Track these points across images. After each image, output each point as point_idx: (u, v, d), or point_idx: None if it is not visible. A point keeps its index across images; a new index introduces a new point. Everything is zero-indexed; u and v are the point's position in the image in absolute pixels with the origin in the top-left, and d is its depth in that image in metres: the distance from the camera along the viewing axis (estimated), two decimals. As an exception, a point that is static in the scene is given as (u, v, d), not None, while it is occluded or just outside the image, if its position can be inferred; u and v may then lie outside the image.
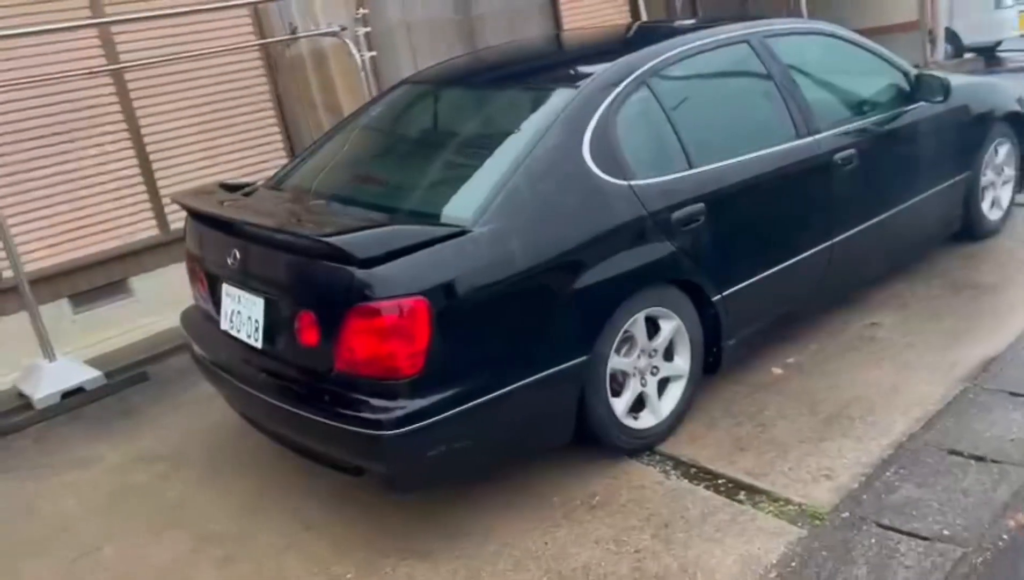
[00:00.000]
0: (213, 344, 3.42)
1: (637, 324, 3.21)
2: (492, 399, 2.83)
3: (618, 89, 3.27)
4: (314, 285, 2.87)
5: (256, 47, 5.88)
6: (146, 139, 5.48)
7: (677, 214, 3.25)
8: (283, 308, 2.97)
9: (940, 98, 4.25)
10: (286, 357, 3.01)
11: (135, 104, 5.42)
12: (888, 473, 3.05)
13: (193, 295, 3.71)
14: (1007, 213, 5.23)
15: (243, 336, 3.17)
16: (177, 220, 5.59)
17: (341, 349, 2.77)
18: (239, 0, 5.63)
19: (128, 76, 5.37)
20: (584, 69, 3.42)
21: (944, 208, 4.65)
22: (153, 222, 5.57)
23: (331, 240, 2.68)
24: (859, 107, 4.16)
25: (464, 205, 2.97)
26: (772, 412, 3.56)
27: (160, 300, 5.45)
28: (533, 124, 3.18)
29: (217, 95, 5.77)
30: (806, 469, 3.15)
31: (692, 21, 4.86)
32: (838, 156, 3.85)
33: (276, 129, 6.06)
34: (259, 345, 3.09)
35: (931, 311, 4.30)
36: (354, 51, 5.78)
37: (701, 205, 3.31)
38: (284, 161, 5.99)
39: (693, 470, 3.25)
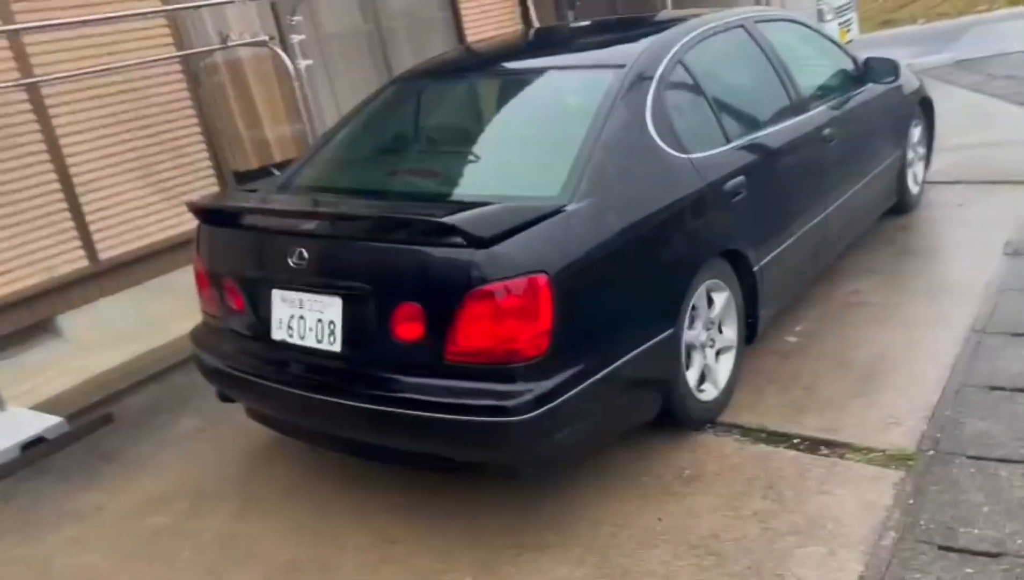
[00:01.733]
0: (257, 359, 3.13)
1: (701, 296, 3.26)
2: (606, 375, 2.77)
3: (662, 67, 3.32)
4: (420, 273, 2.70)
5: (178, 59, 5.47)
6: (69, 160, 4.95)
7: (727, 186, 3.33)
8: (371, 304, 2.77)
9: (892, 78, 4.62)
10: (377, 356, 2.81)
11: (54, 121, 4.88)
12: (947, 413, 3.25)
13: (208, 312, 3.38)
14: (921, 188, 5.74)
15: (311, 342, 2.92)
16: (109, 247, 5.10)
17: (456, 337, 2.62)
18: (153, 8, 5.22)
19: (46, 91, 4.83)
20: (614, 52, 3.45)
21: (888, 182, 5.04)
22: (81, 252, 5.03)
23: (450, 220, 2.53)
24: (828, 88, 4.44)
25: (547, 184, 2.90)
26: (809, 376, 3.70)
27: (93, 338, 4.94)
28: (590, 103, 3.15)
29: (140, 109, 5.31)
30: (871, 420, 3.30)
31: (632, 16, 5.00)
32: (824, 132, 4.09)
33: (202, 144, 5.66)
34: (337, 349, 2.86)
35: (900, 274, 4.64)
36: (287, 60, 5.50)
37: (743, 177, 3.41)
38: (212, 177, 5.62)
39: (763, 435, 3.32)
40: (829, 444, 3.20)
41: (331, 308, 2.87)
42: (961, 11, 17.99)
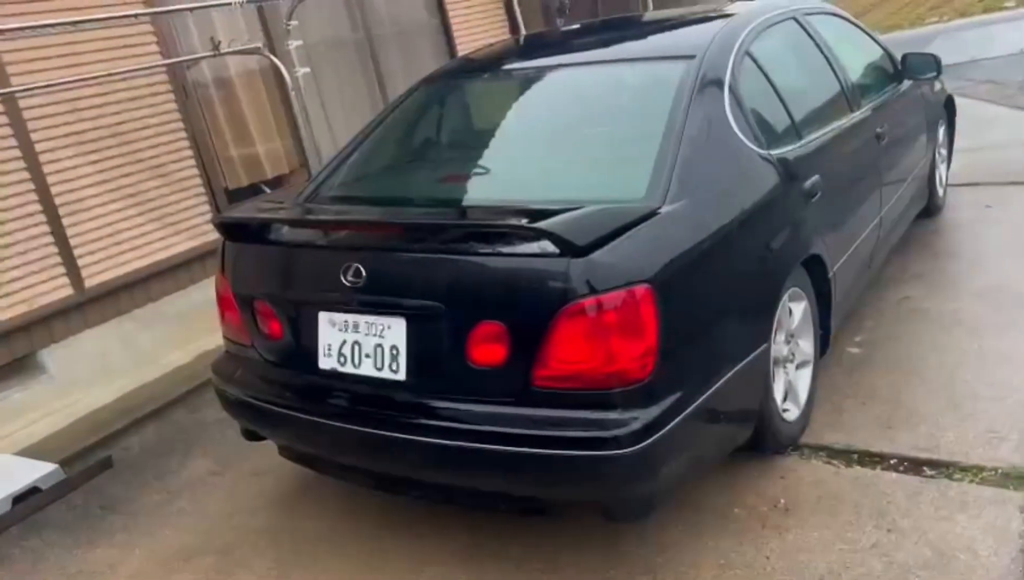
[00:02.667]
0: (299, 391, 2.76)
1: (784, 305, 2.97)
2: (708, 397, 2.46)
3: (732, 58, 3.04)
4: (503, 287, 2.36)
5: (164, 69, 5.06)
6: (50, 178, 4.51)
7: (806, 185, 3.06)
8: (443, 325, 2.42)
9: (933, 73, 4.41)
10: (449, 384, 2.47)
11: (33, 136, 4.44)
12: (1052, 424, 3.01)
13: (234, 339, 3.00)
14: (945, 190, 5.56)
15: (368, 371, 2.57)
16: (95, 273, 4.66)
17: (547, 359, 2.29)
18: (137, 11, 4.82)
19: (24, 104, 4.40)
20: (677, 42, 3.16)
21: (923, 183, 4.84)
22: (65, 279, 4.58)
23: (543, 225, 2.21)
24: (873, 83, 4.22)
25: (629, 185, 2.60)
26: (886, 388, 3.43)
27: (79, 374, 4.50)
28: (663, 96, 2.86)
29: (125, 123, 4.89)
30: (969, 434, 3.03)
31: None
32: (877, 129, 3.85)
33: (191, 160, 5.24)
34: (401, 377, 2.51)
35: (947, 278, 4.42)
36: (283, 69, 5.13)
37: (818, 177, 3.14)
38: (203, 195, 5.21)
39: (855, 456, 3.04)
40: (932, 464, 2.92)
41: (394, 331, 2.52)
42: (913, 22, 18.26)
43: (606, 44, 3.56)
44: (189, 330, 4.88)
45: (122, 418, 4.23)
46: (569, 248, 2.23)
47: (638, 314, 2.25)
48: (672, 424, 2.31)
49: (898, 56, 4.51)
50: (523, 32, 8.01)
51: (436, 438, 2.45)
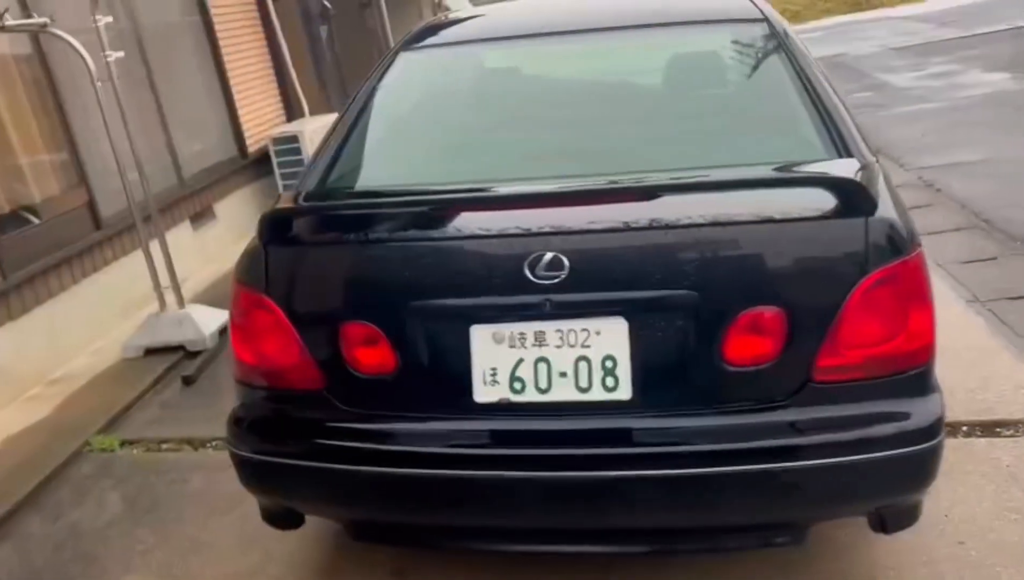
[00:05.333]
0: (429, 441, 1.99)
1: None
2: None
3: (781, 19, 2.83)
4: (784, 260, 1.86)
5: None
6: None
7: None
8: (691, 320, 1.86)
9: None
10: (691, 396, 1.91)
11: None
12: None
13: (289, 386, 2.09)
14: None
15: (563, 395, 1.91)
16: None
17: (837, 344, 1.86)
18: None
19: None
20: (728, 8, 2.85)
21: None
22: None
23: (840, 175, 1.79)
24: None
25: (800, 144, 2.24)
26: None
27: None
28: (767, 56, 2.55)
29: None
30: None
31: None
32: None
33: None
34: (624, 395, 1.88)
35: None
36: (82, 51, 3.90)
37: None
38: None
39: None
40: None
41: (607, 337, 1.88)
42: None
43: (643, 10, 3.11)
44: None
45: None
46: (869, 205, 1.83)
47: (924, 281, 1.92)
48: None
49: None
50: (280, 37, 7.13)
51: (678, 468, 1.87)
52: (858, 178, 1.86)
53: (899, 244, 1.86)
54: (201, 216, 5.96)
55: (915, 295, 1.88)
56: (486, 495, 1.96)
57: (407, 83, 2.79)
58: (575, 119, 2.51)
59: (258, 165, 6.82)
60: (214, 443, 3.34)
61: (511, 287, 1.89)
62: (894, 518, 2.02)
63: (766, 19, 2.69)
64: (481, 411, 1.95)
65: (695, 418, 1.91)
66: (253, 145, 6.83)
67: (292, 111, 7.49)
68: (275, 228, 2.04)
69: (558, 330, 1.91)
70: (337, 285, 2.03)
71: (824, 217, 1.85)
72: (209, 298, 4.83)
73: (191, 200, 5.79)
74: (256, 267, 2.07)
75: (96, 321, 4.57)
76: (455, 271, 1.95)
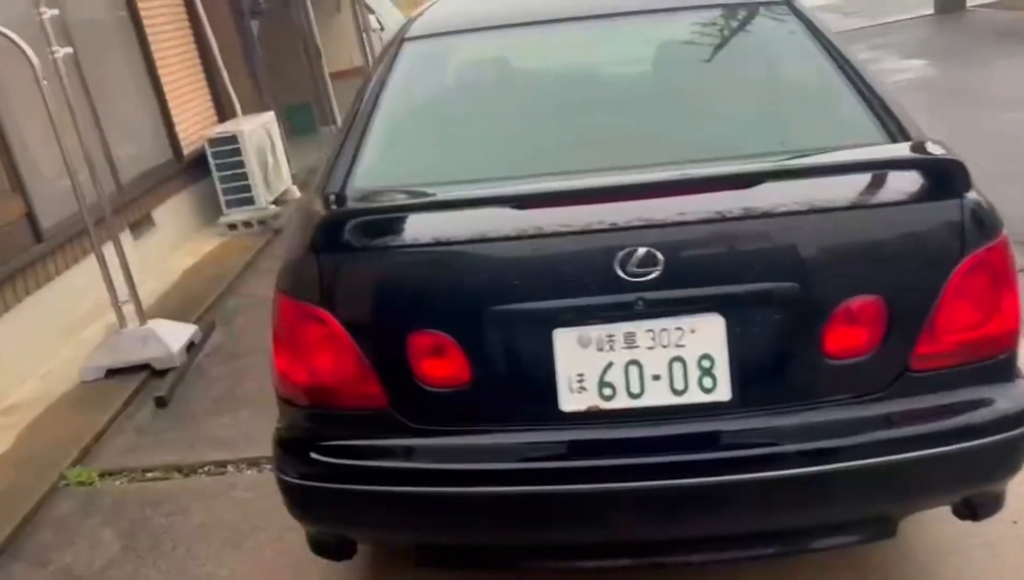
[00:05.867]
0: (508, 456, 1.85)
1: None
2: None
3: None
4: (885, 246, 1.80)
5: None
6: None
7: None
8: (791, 312, 1.78)
9: None
10: (791, 393, 1.83)
11: None
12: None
13: (349, 403, 1.91)
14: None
15: (657, 399, 1.80)
16: None
17: (935, 330, 1.81)
18: None
19: None
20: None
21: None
22: None
23: (940, 155, 1.74)
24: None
25: (854, 127, 2.18)
26: None
27: None
28: (800, 39, 2.48)
29: None
30: None
31: None
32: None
33: None
34: (724, 396, 1.79)
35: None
36: (23, 46, 3.55)
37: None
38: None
39: None
40: None
41: (702, 335, 1.78)
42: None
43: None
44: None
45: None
46: (965, 185, 1.78)
47: (1012, 262, 1.89)
48: None
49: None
50: (209, 32, 6.76)
51: (783, 468, 1.79)
52: (953, 158, 1.81)
53: (991, 224, 1.82)
54: (140, 224, 5.59)
55: (1005, 277, 1.85)
56: (575, 510, 1.83)
57: (419, 75, 2.62)
58: (611, 106, 2.40)
59: (193, 169, 6.46)
60: (207, 468, 3.10)
61: (599, 286, 1.77)
62: (984, 505, 1.99)
63: (786, 3, 2.64)
64: (568, 421, 1.82)
65: (796, 415, 1.82)
66: (188, 147, 6.45)
67: (223, 111, 7.13)
68: (329, 234, 1.85)
69: (649, 330, 1.79)
70: (403, 292, 1.86)
71: (923, 199, 1.80)
72: (163, 311, 4.52)
73: (131, 208, 5.42)
74: (306, 277, 1.88)
75: (42, 342, 4.20)
76: (536, 272, 1.81)
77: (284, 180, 6.99)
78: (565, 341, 1.81)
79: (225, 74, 6.87)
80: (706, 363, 1.79)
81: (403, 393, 1.87)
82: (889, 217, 1.80)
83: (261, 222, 6.31)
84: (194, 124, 6.72)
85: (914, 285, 1.80)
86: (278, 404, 2.03)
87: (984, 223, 1.81)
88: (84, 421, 3.47)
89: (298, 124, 9.34)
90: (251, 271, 5.42)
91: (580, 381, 1.81)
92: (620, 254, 1.75)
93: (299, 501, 1.98)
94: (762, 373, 1.81)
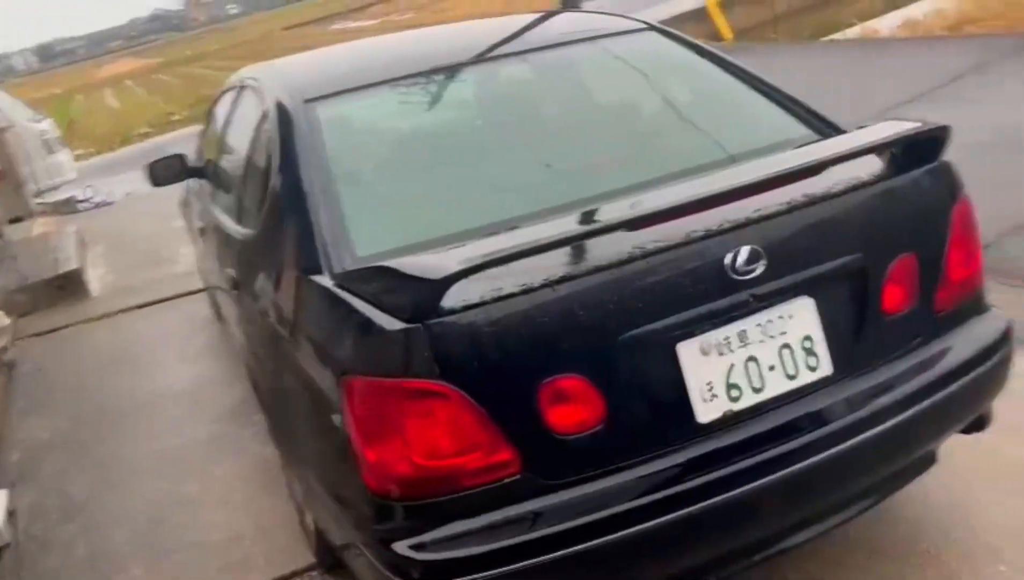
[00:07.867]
0: (659, 485, 1.79)
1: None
2: None
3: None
4: (909, 207, 2.06)
5: None
6: None
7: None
8: (856, 283, 1.97)
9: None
10: (871, 354, 2.01)
11: None
12: None
13: (472, 478, 1.72)
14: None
15: (778, 388, 1.89)
16: None
17: (948, 276, 2.10)
18: None
19: None
20: (609, 23, 2.95)
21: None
22: None
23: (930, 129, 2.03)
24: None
25: (784, 127, 2.44)
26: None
27: None
28: (682, 59, 2.74)
29: None
30: None
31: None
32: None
33: None
34: (827, 370, 1.92)
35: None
36: None
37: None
38: None
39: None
40: None
41: (799, 318, 1.89)
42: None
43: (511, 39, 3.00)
44: None
45: None
46: (942, 145, 2.09)
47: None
48: None
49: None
50: None
51: (888, 421, 1.95)
52: (938, 124, 2.10)
53: (959, 177, 2.15)
54: None
55: (973, 220, 2.19)
56: (736, 516, 1.82)
57: (352, 136, 2.45)
58: (566, 137, 2.48)
59: None
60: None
61: (715, 290, 1.81)
62: (988, 416, 2.32)
63: (652, 28, 2.88)
64: (707, 431, 1.82)
65: (880, 371, 2.00)
66: None
67: None
68: (435, 299, 1.65)
69: (758, 324, 1.86)
70: (526, 342, 1.72)
71: (927, 162, 2.07)
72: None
73: None
74: (412, 351, 1.66)
75: None
76: (654, 290, 1.78)
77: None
78: (689, 353, 1.80)
79: None
80: (807, 344, 1.90)
81: (537, 451, 1.74)
82: (910, 182, 2.06)
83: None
84: None
85: (933, 237, 2.07)
86: (374, 505, 1.75)
87: (957, 177, 2.14)
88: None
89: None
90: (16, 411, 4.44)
91: (710, 389, 1.82)
92: (728, 256, 1.80)
93: None
94: (848, 341, 1.96)
